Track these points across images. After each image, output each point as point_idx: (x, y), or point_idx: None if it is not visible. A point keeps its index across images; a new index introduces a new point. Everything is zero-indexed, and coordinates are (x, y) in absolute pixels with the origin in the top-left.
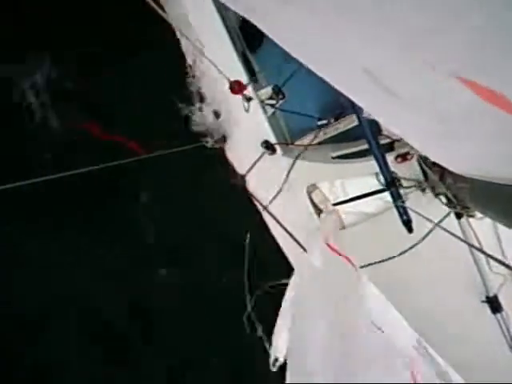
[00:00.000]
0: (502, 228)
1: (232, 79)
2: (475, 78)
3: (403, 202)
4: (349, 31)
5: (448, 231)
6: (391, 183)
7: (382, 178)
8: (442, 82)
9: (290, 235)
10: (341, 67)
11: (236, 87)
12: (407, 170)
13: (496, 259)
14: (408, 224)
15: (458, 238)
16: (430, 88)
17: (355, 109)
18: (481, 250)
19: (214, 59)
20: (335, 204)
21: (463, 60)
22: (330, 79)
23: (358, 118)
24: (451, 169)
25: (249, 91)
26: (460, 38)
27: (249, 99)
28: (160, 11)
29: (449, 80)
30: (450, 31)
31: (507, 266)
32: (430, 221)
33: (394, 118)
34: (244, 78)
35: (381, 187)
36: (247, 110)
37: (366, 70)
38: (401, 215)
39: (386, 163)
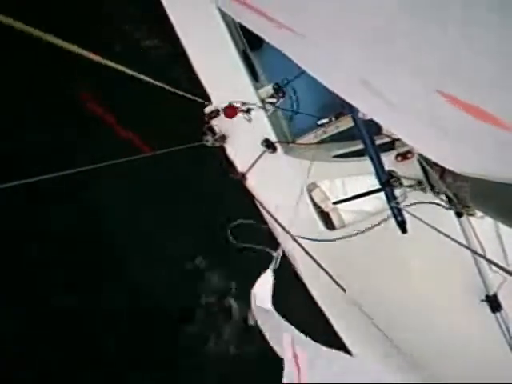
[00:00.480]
0: (502, 227)
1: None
2: (456, 94)
3: (397, 203)
4: (347, 45)
5: (445, 234)
6: (386, 184)
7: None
8: (430, 95)
9: (289, 233)
10: (339, 76)
11: (229, 112)
12: (407, 169)
13: (493, 262)
14: (402, 225)
15: (456, 241)
16: (421, 100)
17: (350, 109)
18: (477, 253)
19: (216, 60)
20: (335, 202)
21: (448, 77)
22: (329, 86)
23: (354, 118)
24: (451, 168)
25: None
26: (443, 57)
27: (247, 111)
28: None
29: (435, 95)
30: (436, 50)
31: (504, 270)
32: (428, 225)
33: (391, 122)
34: (246, 77)
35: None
36: (249, 120)
37: (363, 80)
38: (395, 216)
39: (381, 163)
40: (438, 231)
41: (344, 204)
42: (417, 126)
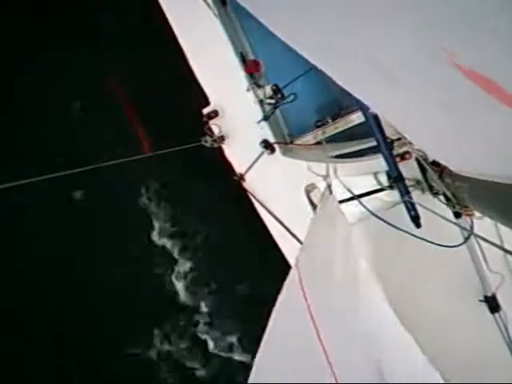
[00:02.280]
0: (502, 227)
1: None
2: (474, 67)
3: (410, 197)
4: (359, 24)
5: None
6: (399, 178)
7: (381, 176)
8: (443, 70)
9: (290, 232)
10: (346, 61)
11: (251, 66)
12: (406, 170)
13: (487, 240)
14: (416, 219)
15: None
16: (433, 76)
17: (360, 105)
18: (484, 239)
19: (214, 61)
20: None
21: (464, 49)
22: (335, 75)
23: (364, 114)
24: (451, 167)
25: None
26: (461, 28)
27: (259, 86)
28: None
29: (449, 68)
30: (452, 22)
31: (499, 247)
32: (438, 216)
33: (396, 110)
34: (244, 78)
35: (379, 186)
36: (248, 90)
37: (372, 60)
38: (409, 210)
39: (393, 158)
40: (447, 220)
41: (343, 204)
42: (423, 110)
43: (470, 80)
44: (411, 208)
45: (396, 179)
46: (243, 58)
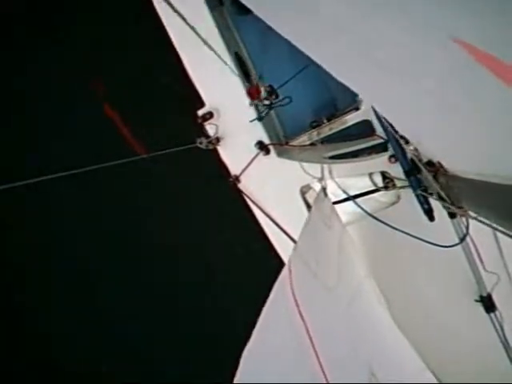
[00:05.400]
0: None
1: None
2: (472, 42)
3: (423, 190)
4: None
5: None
6: (411, 172)
7: (376, 177)
8: (441, 46)
9: (286, 234)
10: (346, 54)
11: (253, 92)
12: (401, 170)
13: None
14: (429, 213)
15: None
16: (433, 66)
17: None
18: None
19: (208, 61)
20: None
21: (463, 24)
22: (331, 68)
23: (374, 110)
24: (446, 164)
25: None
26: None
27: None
28: None
29: (448, 44)
30: None
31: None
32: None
33: (395, 107)
34: (238, 79)
35: (375, 187)
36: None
37: (371, 53)
38: (421, 204)
39: (404, 153)
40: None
41: (338, 205)
42: (422, 107)
43: (471, 56)
44: (424, 202)
45: (408, 173)
46: (238, 58)
